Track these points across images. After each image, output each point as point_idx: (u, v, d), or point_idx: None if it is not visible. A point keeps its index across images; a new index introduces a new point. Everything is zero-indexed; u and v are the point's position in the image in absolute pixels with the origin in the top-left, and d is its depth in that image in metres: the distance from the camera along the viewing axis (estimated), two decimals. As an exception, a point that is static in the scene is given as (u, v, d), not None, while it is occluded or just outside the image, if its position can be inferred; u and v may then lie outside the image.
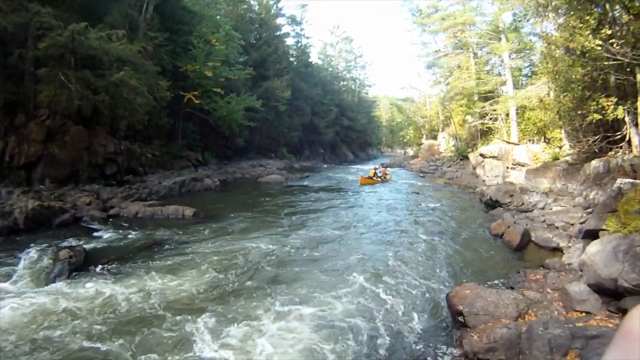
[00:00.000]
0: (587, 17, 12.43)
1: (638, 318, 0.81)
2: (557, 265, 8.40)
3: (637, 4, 11.46)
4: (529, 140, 25.87)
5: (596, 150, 14.53)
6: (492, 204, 16.41)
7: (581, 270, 7.07)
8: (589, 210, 11.55)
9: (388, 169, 32.41)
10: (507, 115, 29.17)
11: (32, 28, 14.49)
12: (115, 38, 16.09)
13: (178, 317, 6.06)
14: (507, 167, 23.77)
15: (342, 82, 72.89)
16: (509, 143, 26.18)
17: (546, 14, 17.50)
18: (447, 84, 40.38)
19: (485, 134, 33.24)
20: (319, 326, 5.93)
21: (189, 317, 6.08)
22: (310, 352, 5.30)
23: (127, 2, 20.92)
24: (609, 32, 12.03)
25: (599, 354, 4.35)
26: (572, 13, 13.85)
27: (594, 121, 13.69)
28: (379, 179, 27.65)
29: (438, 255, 9.85)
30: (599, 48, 11.95)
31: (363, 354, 5.36)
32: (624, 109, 12.83)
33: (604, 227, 7.41)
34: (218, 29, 28.52)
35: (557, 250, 10.11)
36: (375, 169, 29.23)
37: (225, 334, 5.64)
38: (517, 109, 27.65)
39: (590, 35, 12.15)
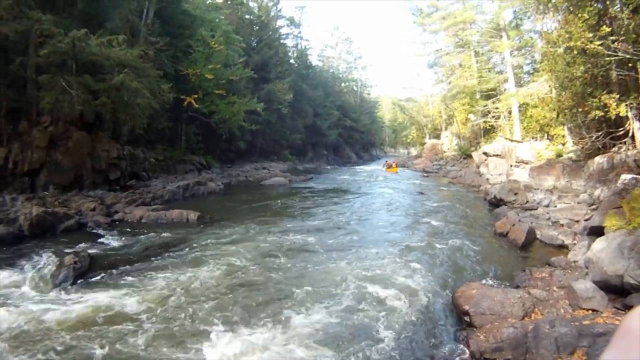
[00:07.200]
0: (586, 15, 12.40)
1: (638, 317, 0.80)
2: (563, 263, 8.37)
3: None
4: (532, 138, 25.80)
5: (600, 147, 14.48)
6: (496, 203, 16.38)
7: (587, 268, 7.04)
8: (594, 206, 11.52)
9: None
10: (510, 113, 29.18)
11: (34, 35, 14.55)
12: (115, 43, 16.13)
13: (185, 323, 6.04)
14: (511, 165, 23.71)
15: (343, 84, 72.93)
16: (512, 141, 26.10)
17: (547, 11, 17.47)
18: (449, 82, 40.35)
19: (488, 132, 33.24)
20: (325, 327, 5.91)
21: (197, 323, 6.05)
22: (315, 351, 5.29)
23: (128, 7, 20.97)
24: (609, 29, 11.99)
25: (606, 351, 4.33)
26: (571, 10, 13.82)
27: (597, 117, 13.63)
28: (394, 169, 39.36)
29: (443, 254, 9.80)
30: (600, 47, 11.91)
31: (368, 353, 5.33)
32: (626, 105, 12.77)
33: (605, 225, 7.37)
34: (217, 32, 28.60)
35: (562, 248, 10.10)
36: (390, 162, 42.46)
37: (235, 338, 5.60)
38: (519, 107, 27.61)
39: (590, 33, 12.12)
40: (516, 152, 23.71)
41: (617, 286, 5.99)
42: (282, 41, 49.49)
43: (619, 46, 11.79)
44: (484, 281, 7.61)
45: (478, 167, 29.31)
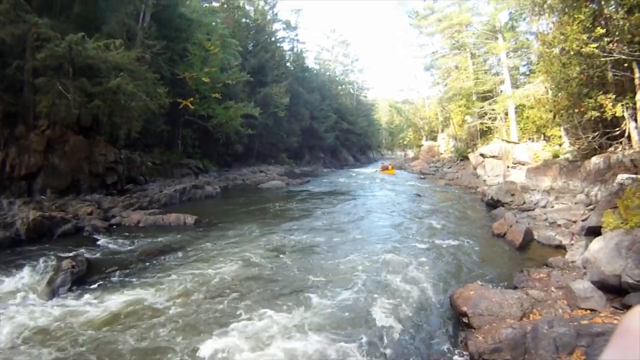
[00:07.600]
0: (581, 16, 12.46)
1: (637, 317, 0.80)
2: (561, 263, 8.38)
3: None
4: (529, 139, 25.86)
5: (596, 147, 14.53)
6: (493, 204, 16.39)
7: (585, 268, 7.05)
8: (591, 207, 11.55)
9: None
10: (506, 114, 29.24)
11: (30, 39, 14.51)
12: (112, 47, 16.10)
13: (184, 327, 6.02)
14: (508, 166, 23.76)
15: (340, 86, 73.01)
16: (509, 142, 26.18)
17: (542, 13, 17.53)
18: (445, 84, 40.44)
19: (485, 133, 33.29)
20: (321, 329, 5.91)
21: (196, 326, 6.03)
22: (313, 353, 5.28)
23: (125, 11, 20.93)
24: (603, 30, 12.04)
25: (605, 351, 4.33)
26: (566, 11, 13.89)
27: (593, 118, 13.68)
28: (391, 170, 40.50)
29: (441, 256, 9.81)
30: (595, 49, 11.96)
31: (366, 355, 5.33)
32: (622, 105, 12.82)
33: (602, 224, 7.39)
34: (213, 35, 28.63)
35: (560, 248, 10.11)
36: (386, 164, 45.05)
37: (235, 341, 5.60)
38: (516, 108, 27.68)
39: (585, 35, 12.18)
40: (513, 154, 23.77)
41: (615, 286, 6.00)
42: (278, 44, 49.57)
43: (614, 47, 11.85)
44: (481, 282, 7.60)
45: (475, 168, 29.36)
